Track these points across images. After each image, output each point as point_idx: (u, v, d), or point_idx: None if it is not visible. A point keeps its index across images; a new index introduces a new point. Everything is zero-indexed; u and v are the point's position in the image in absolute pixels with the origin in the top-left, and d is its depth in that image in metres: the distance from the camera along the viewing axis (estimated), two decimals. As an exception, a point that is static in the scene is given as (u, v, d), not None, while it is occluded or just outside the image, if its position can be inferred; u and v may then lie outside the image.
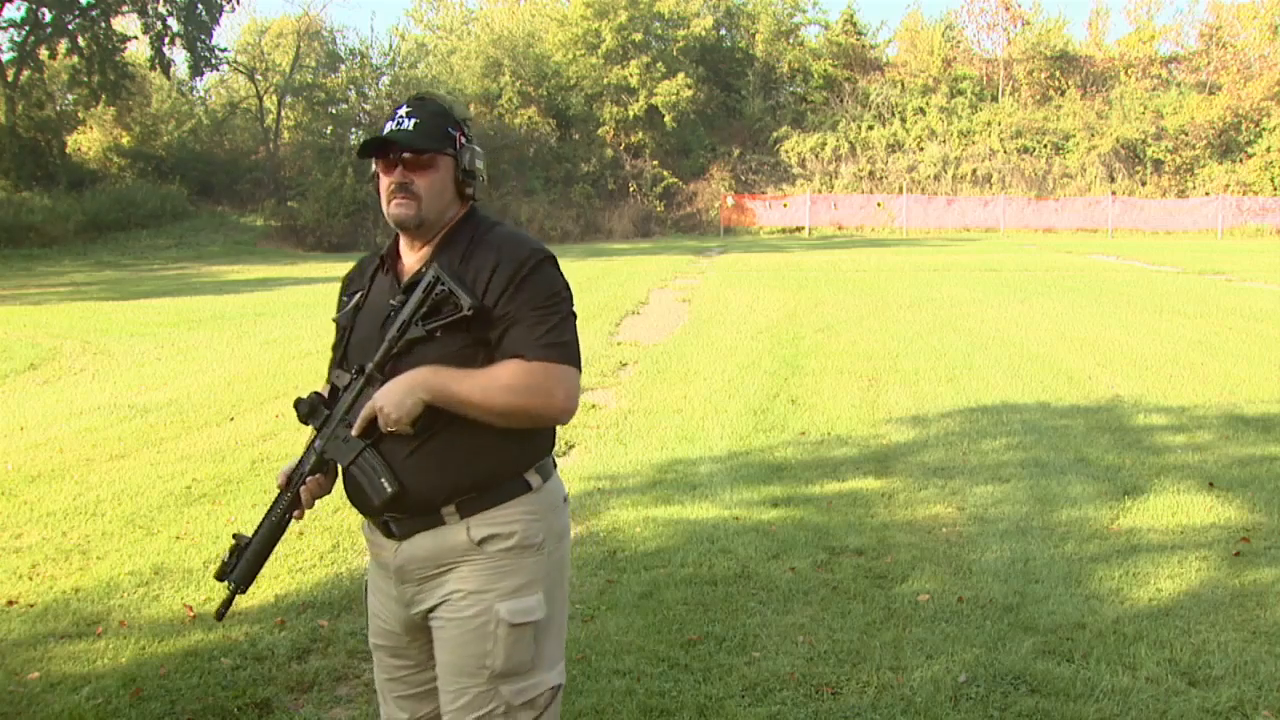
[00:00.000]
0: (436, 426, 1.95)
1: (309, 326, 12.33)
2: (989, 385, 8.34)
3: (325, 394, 2.08)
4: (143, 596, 4.15)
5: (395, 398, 1.92)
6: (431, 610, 2.02)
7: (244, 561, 2.05)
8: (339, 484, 2.11)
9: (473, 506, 1.98)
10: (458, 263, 2.00)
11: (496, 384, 1.93)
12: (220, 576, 2.05)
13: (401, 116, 2.03)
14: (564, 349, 1.98)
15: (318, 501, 2.11)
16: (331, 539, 4.79)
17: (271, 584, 4.20)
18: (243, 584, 2.06)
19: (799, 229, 35.48)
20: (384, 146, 2.02)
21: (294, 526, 2.10)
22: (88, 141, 34.11)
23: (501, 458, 2.00)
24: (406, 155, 2.01)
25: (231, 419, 7.52)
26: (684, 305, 14.18)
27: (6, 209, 27.58)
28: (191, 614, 3.96)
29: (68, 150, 32.70)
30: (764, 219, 35.85)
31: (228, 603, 2.09)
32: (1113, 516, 5.07)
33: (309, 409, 2.04)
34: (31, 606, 4.06)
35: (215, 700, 3.28)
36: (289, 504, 2.05)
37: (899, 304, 14.08)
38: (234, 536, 2.07)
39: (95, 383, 9.04)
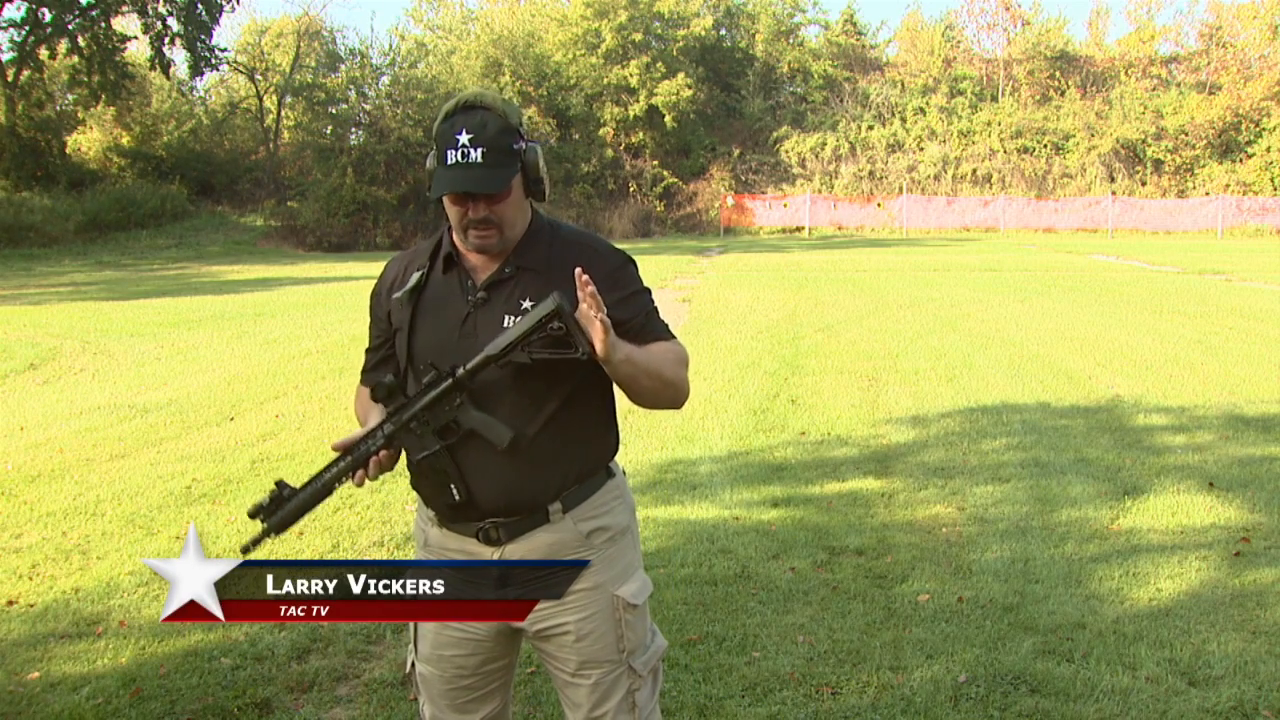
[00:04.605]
0: (536, 443, 1.96)
1: (309, 326, 12.33)
2: (989, 385, 8.34)
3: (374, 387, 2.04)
4: (143, 596, 4.15)
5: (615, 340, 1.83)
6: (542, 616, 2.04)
7: (286, 510, 1.97)
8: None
9: (572, 500, 2.02)
10: (542, 265, 1.97)
11: (663, 357, 1.95)
12: (253, 514, 1.98)
13: (465, 145, 1.87)
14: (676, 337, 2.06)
15: (320, 502, 2.08)
16: (331, 539, 4.80)
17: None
18: (278, 529, 1.99)
19: (799, 229, 35.49)
20: (460, 194, 1.90)
21: (294, 527, 2.08)
22: (88, 141, 34.11)
23: (598, 449, 2.07)
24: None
25: (231, 419, 7.52)
26: (684, 305, 14.17)
27: (6, 209, 27.58)
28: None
29: (68, 150, 32.72)
30: (764, 219, 35.86)
31: (257, 541, 1.99)
32: (1113, 516, 5.07)
33: (387, 392, 1.98)
34: (31, 606, 4.06)
35: (215, 700, 3.28)
36: (344, 469, 1.98)
37: (899, 304, 14.08)
38: (276, 483, 1.98)
39: (95, 383, 9.04)
